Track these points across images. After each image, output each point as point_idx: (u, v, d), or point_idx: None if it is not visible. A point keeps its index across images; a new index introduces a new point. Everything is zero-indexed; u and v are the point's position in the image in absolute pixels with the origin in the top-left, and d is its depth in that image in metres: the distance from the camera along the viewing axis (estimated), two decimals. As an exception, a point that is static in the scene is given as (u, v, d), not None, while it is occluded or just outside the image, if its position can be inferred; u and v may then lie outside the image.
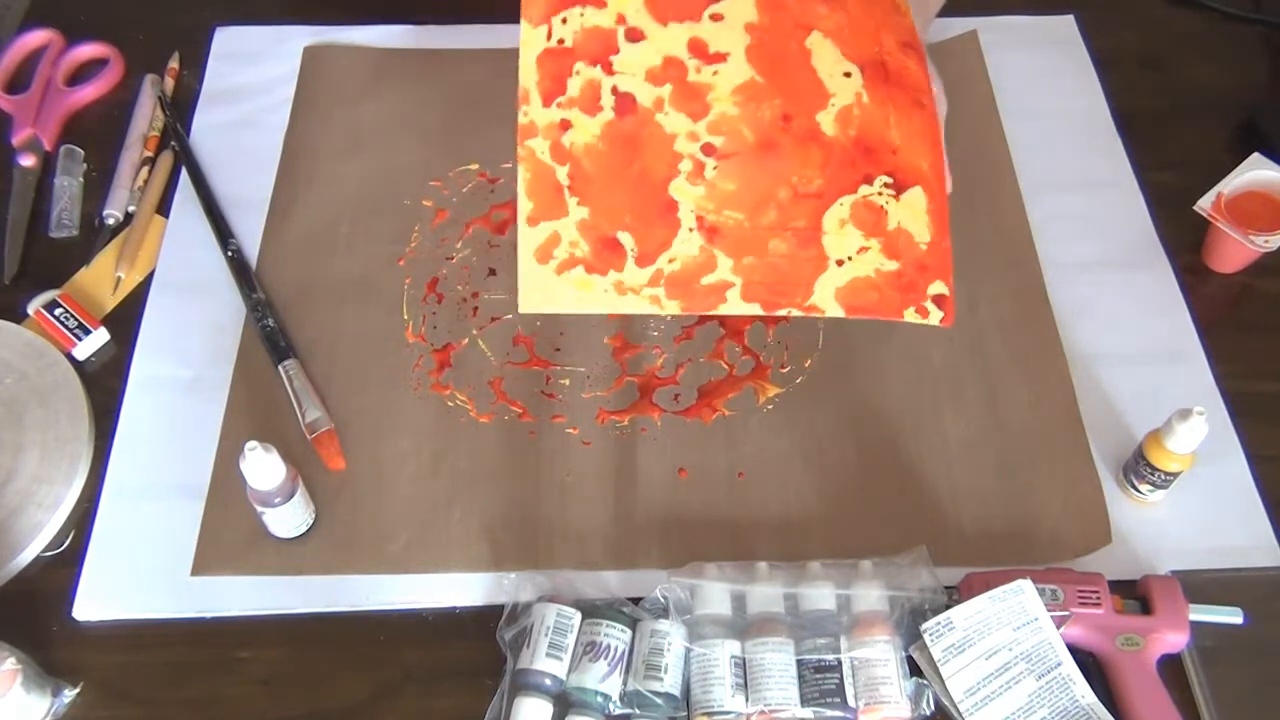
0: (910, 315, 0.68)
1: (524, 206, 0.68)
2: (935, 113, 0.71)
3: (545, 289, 0.68)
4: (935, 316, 0.69)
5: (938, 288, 0.69)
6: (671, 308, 0.68)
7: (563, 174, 0.68)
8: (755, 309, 0.67)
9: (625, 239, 0.68)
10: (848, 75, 0.68)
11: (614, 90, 0.68)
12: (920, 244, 0.68)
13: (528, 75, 0.68)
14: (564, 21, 0.68)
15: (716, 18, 0.68)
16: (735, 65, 0.68)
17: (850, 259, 0.67)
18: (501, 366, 0.83)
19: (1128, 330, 0.85)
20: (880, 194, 0.68)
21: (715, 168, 0.67)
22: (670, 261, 0.68)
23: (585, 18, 0.68)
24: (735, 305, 0.68)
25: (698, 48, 0.68)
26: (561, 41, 0.68)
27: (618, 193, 0.68)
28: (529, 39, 0.68)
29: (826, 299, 0.68)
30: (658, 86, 0.68)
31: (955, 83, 0.98)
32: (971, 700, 0.67)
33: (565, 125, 0.68)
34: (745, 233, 0.68)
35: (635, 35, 0.68)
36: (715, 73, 0.68)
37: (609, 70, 0.68)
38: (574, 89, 0.68)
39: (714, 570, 0.72)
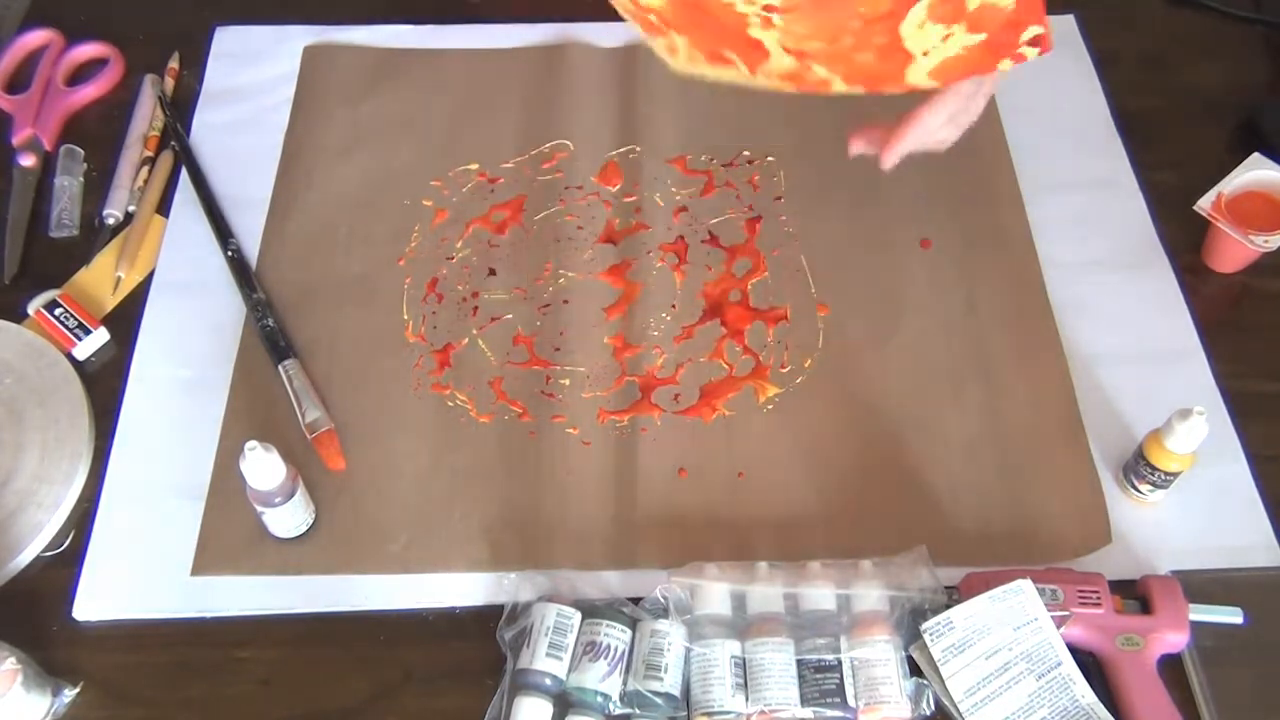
0: (1004, 65, 0.69)
1: (637, 30, 0.70)
2: None
3: (687, 62, 0.70)
4: (1032, 54, 0.69)
5: (1032, 31, 0.69)
6: (787, 88, 0.70)
7: (653, 18, 0.69)
8: (859, 90, 0.69)
9: (730, 55, 0.69)
10: None
11: None
12: (1005, 7, 0.68)
13: None
14: None
15: None
16: None
17: (934, 48, 0.68)
18: (501, 366, 0.83)
19: (1128, 330, 0.85)
20: None
21: (781, 20, 0.67)
22: (772, 71, 0.69)
23: None
24: (841, 87, 0.69)
25: None
26: None
27: (705, 33, 0.69)
28: None
29: (920, 78, 0.69)
30: None
31: (955, 82, 0.98)
32: (971, 700, 0.67)
33: None
34: (830, 53, 0.68)
35: None
36: None
37: None
38: None
39: (714, 570, 0.72)
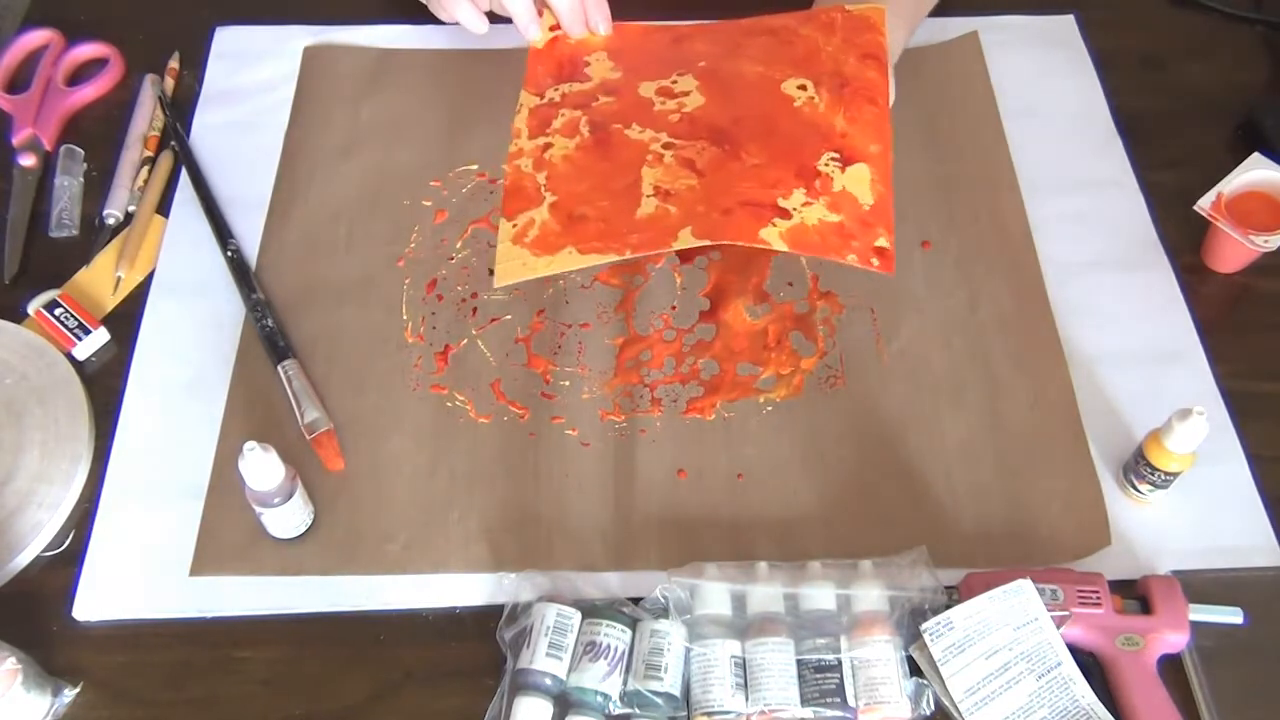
0: (851, 259, 0.74)
1: (506, 205, 0.80)
2: (887, 110, 0.81)
3: (519, 263, 0.77)
4: (875, 263, 0.74)
5: (881, 241, 0.75)
6: (627, 253, 0.76)
7: (541, 177, 0.80)
8: (705, 242, 0.75)
9: (592, 211, 0.78)
10: (802, 88, 0.82)
11: (589, 122, 0.83)
12: (863, 204, 0.76)
13: (520, 121, 0.83)
14: (555, 88, 0.85)
15: (683, 74, 0.84)
16: (695, 96, 0.83)
17: (796, 210, 0.75)
18: (501, 367, 0.83)
19: (1128, 330, 0.85)
20: (826, 165, 0.77)
21: (674, 155, 0.79)
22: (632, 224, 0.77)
23: (573, 87, 0.85)
24: (686, 240, 0.75)
25: (665, 91, 0.84)
26: (552, 100, 0.84)
27: (587, 181, 0.80)
28: (526, 100, 0.85)
29: (773, 238, 0.74)
30: (628, 119, 0.82)
31: (956, 83, 0.99)
32: (972, 700, 0.67)
33: (547, 146, 0.82)
34: (697, 191, 0.77)
35: (612, 91, 0.84)
36: (680, 104, 0.83)
37: (588, 112, 0.83)
38: (556, 125, 0.83)
39: (714, 570, 0.72)
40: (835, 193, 0.76)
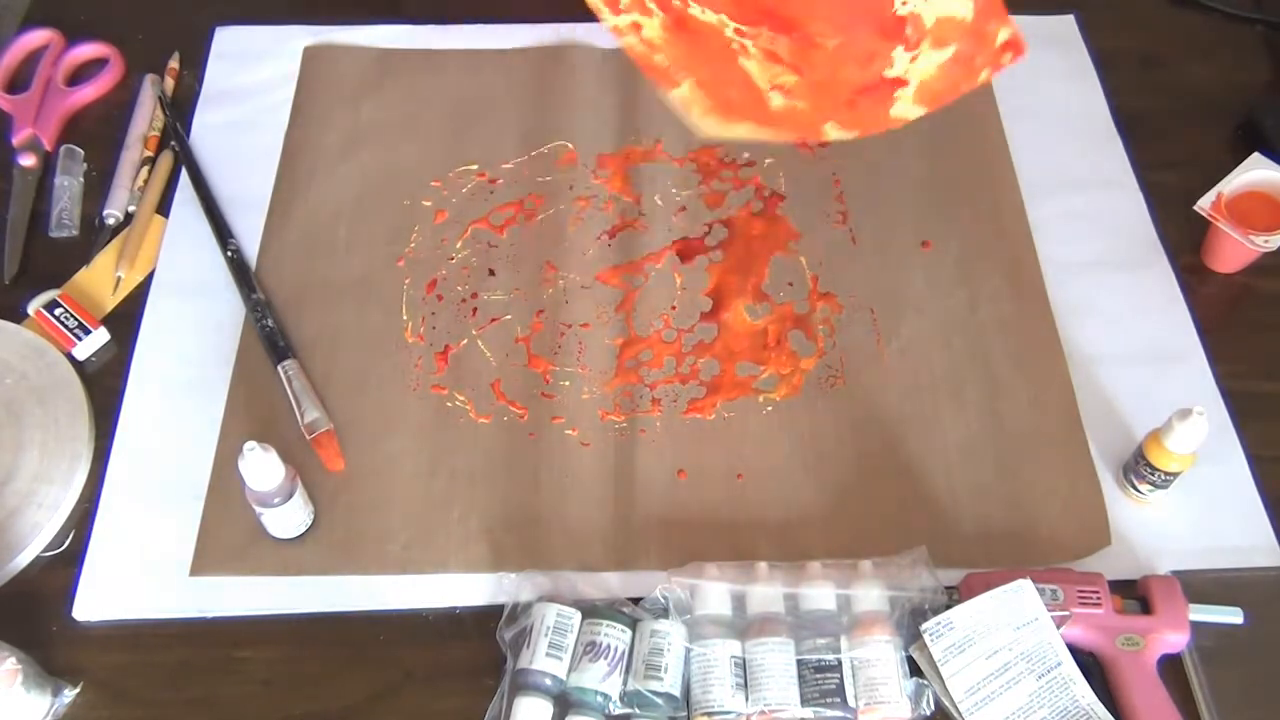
0: (984, 77, 0.72)
1: (654, 78, 0.76)
2: None
3: (713, 121, 0.76)
4: (1008, 60, 0.71)
5: (1003, 34, 0.71)
6: (794, 137, 0.78)
7: (660, 59, 0.76)
8: (854, 134, 0.74)
9: (734, 96, 0.75)
10: None
11: None
12: (965, 18, 0.70)
13: None
14: None
15: None
16: None
17: (908, 73, 0.71)
18: (501, 367, 0.83)
19: (1128, 330, 0.85)
20: (905, 3, 0.70)
21: (755, 46, 0.74)
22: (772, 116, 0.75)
23: None
24: (836, 133, 0.74)
25: None
26: None
27: (706, 69, 0.75)
28: None
29: (906, 108, 0.72)
30: None
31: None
32: (972, 700, 0.67)
33: (637, 26, 0.75)
34: (806, 86, 0.73)
35: None
36: None
37: None
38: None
39: (714, 570, 0.72)
40: (931, 28, 0.69)
